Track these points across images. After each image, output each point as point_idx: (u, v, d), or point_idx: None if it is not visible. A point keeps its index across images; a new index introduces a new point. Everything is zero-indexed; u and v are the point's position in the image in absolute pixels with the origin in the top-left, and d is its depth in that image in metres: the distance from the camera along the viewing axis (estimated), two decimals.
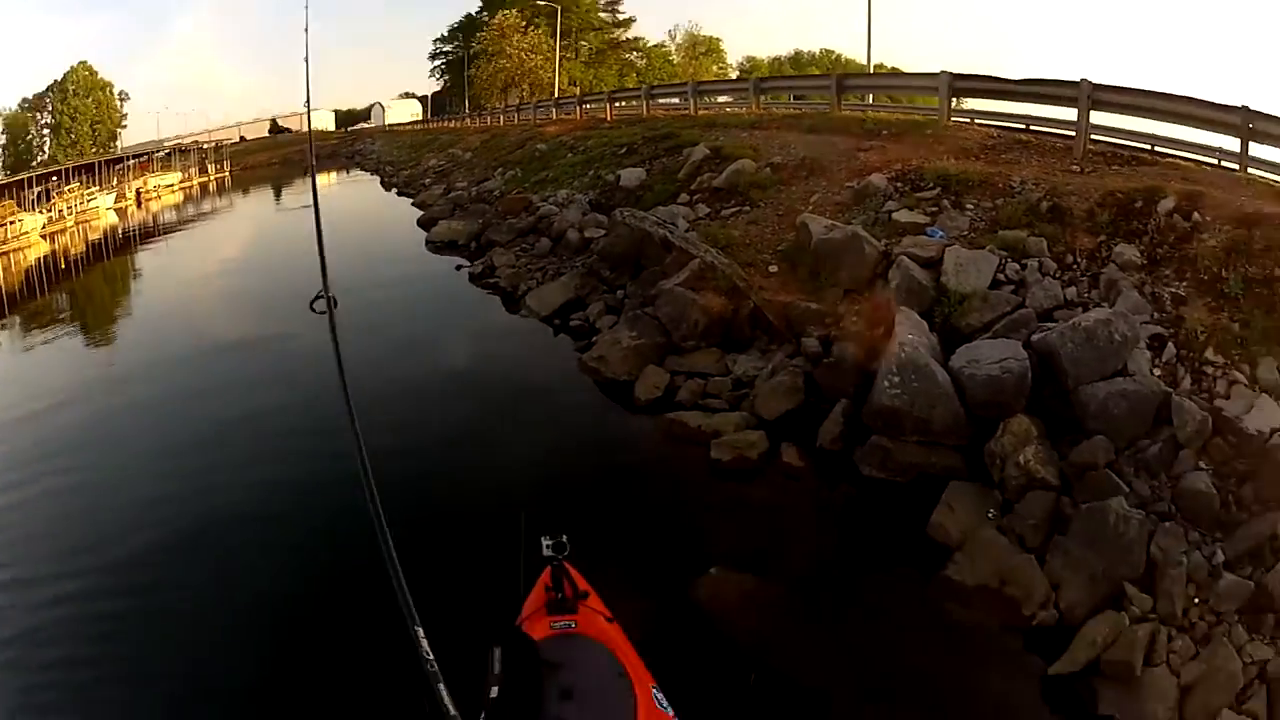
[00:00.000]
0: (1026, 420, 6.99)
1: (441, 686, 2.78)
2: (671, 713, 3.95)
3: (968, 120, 17.95)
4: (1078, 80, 12.39)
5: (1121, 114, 12.88)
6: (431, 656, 2.85)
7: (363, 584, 4.05)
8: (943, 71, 15.51)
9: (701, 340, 10.03)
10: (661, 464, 8.37)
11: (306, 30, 9.68)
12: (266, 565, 7.07)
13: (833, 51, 78.16)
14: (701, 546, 6.82)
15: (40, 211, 46.39)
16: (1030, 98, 14.48)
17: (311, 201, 6.56)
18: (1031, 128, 17.21)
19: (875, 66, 32.16)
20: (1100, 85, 12.25)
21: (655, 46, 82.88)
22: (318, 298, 4.60)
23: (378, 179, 44.84)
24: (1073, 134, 12.84)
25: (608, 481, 8.14)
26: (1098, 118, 12.74)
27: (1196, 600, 5.62)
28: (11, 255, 37.44)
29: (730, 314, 10.13)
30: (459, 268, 17.24)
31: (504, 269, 15.72)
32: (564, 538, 4.67)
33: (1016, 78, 14.28)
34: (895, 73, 29.93)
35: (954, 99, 16.21)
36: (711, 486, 7.81)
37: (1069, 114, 13.42)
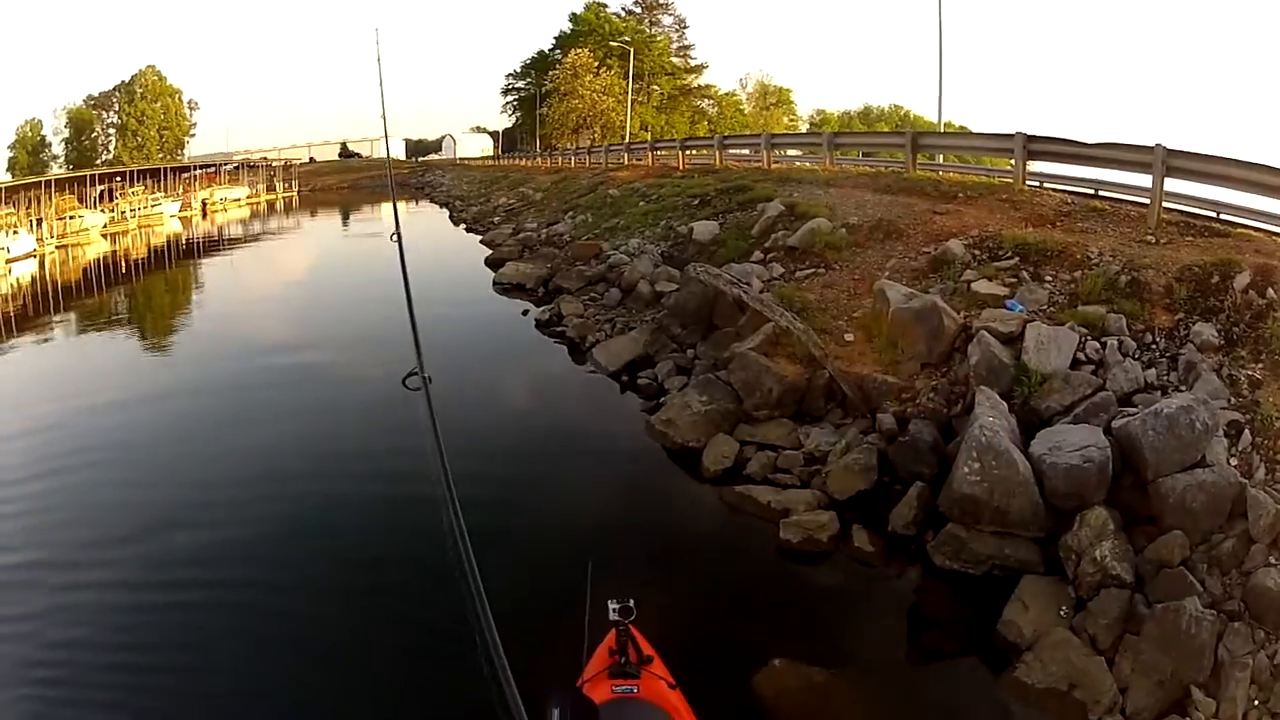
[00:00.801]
0: (1105, 513, 6.87)
1: None
2: None
3: (1037, 184, 17.70)
4: (1152, 145, 12.08)
5: (1195, 181, 12.51)
6: None
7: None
8: (1018, 132, 15.23)
9: (774, 410, 9.99)
10: (729, 539, 8.41)
11: (379, 61, 10.15)
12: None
13: (901, 107, 78.80)
14: (767, 630, 6.85)
15: (102, 210, 48.38)
16: (1104, 162, 14.14)
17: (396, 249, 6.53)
18: (1100, 193, 16.97)
19: (945, 125, 32.04)
20: (1174, 151, 11.94)
21: (727, 94, 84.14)
22: (411, 374, 4.78)
23: (446, 212, 45.71)
24: (1142, 200, 12.61)
25: (674, 553, 8.16)
26: (1170, 184, 12.38)
27: (1256, 702, 5.56)
28: (70, 250, 38.93)
29: (805, 383, 10.10)
30: (526, 312, 17.51)
31: (572, 318, 15.94)
32: (630, 602, 4.84)
33: (1090, 140, 14.12)
34: (967, 132, 29.92)
35: (1027, 161, 16.02)
36: (779, 567, 7.83)
37: (1138, 179, 13.17)
